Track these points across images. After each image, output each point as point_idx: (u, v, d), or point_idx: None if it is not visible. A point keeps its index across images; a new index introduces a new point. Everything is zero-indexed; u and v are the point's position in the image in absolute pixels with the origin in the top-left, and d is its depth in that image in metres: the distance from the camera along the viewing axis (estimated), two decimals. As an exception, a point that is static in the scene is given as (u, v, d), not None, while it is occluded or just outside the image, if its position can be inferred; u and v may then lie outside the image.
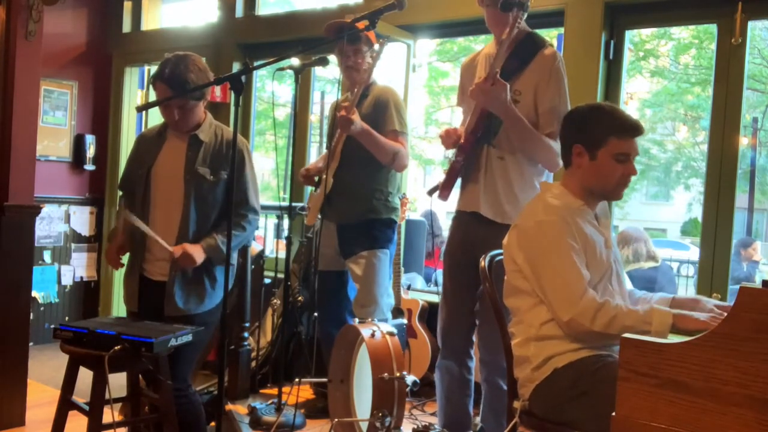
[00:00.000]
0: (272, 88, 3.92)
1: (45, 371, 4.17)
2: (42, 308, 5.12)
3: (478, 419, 2.80)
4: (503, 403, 2.41)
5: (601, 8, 3.39)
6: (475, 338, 2.77)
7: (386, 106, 3.20)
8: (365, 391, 2.77)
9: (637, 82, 13.03)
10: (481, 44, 2.86)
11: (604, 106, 2.15)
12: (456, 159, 2.65)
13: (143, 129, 5.26)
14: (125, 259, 2.75)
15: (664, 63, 12.46)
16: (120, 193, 2.91)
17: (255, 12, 4.86)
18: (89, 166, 5.34)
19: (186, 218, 2.60)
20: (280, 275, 3.77)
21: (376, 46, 3.05)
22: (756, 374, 1.24)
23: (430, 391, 3.54)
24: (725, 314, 1.84)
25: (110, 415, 2.19)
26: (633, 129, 2.05)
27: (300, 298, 3.74)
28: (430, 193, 2.77)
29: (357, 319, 3.01)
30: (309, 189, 3.97)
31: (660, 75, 12.97)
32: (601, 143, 2.05)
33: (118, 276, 4.89)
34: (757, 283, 1.60)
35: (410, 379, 2.65)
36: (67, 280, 5.30)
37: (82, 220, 5.37)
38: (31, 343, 3.42)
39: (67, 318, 5.23)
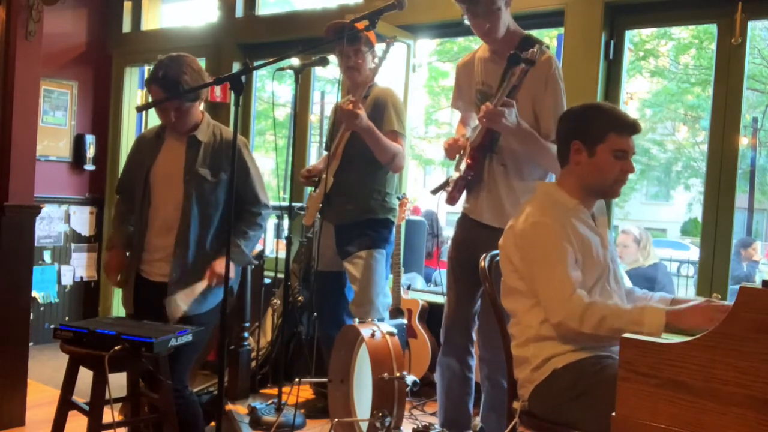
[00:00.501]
0: (272, 88, 3.91)
1: (45, 371, 4.16)
2: (42, 308, 5.12)
3: (478, 419, 2.80)
4: (504, 401, 2.41)
5: (601, 8, 3.39)
6: (475, 336, 2.78)
7: (385, 107, 3.20)
8: (365, 391, 2.77)
9: (637, 82, 13.04)
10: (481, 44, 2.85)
11: (602, 104, 2.18)
12: (465, 173, 2.67)
13: (143, 129, 5.27)
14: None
15: (664, 63, 12.47)
16: (117, 196, 2.90)
17: (255, 12, 4.86)
18: (89, 166, 5.34)
19: (186, 219, 2.59)
20: (280, 275, 3.76)
21: (383, 47, 3.04)
22: (756, 374, 1.24)
23: (430, 391, 3.54)
24: (722, 302, 1.85)
25: (110, 415, 2.19)
26: (631, 126, 2.07)
27: (300, 298, 3.74)
28: (434, 192, 2.78)
29: (357, 319, 3.02)
30: (309, 189, 3.96)
31: (660, 75, 12.98)
32: (600, 139, 2.05)
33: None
34: (757, 283, 1.60)
35: (410, 379, 2.65)
36: (67, 280, 5.30)
37: (82, 220, 5.37)
38: (31, 343, 3.42)
39: (67, 318, 5.23)
